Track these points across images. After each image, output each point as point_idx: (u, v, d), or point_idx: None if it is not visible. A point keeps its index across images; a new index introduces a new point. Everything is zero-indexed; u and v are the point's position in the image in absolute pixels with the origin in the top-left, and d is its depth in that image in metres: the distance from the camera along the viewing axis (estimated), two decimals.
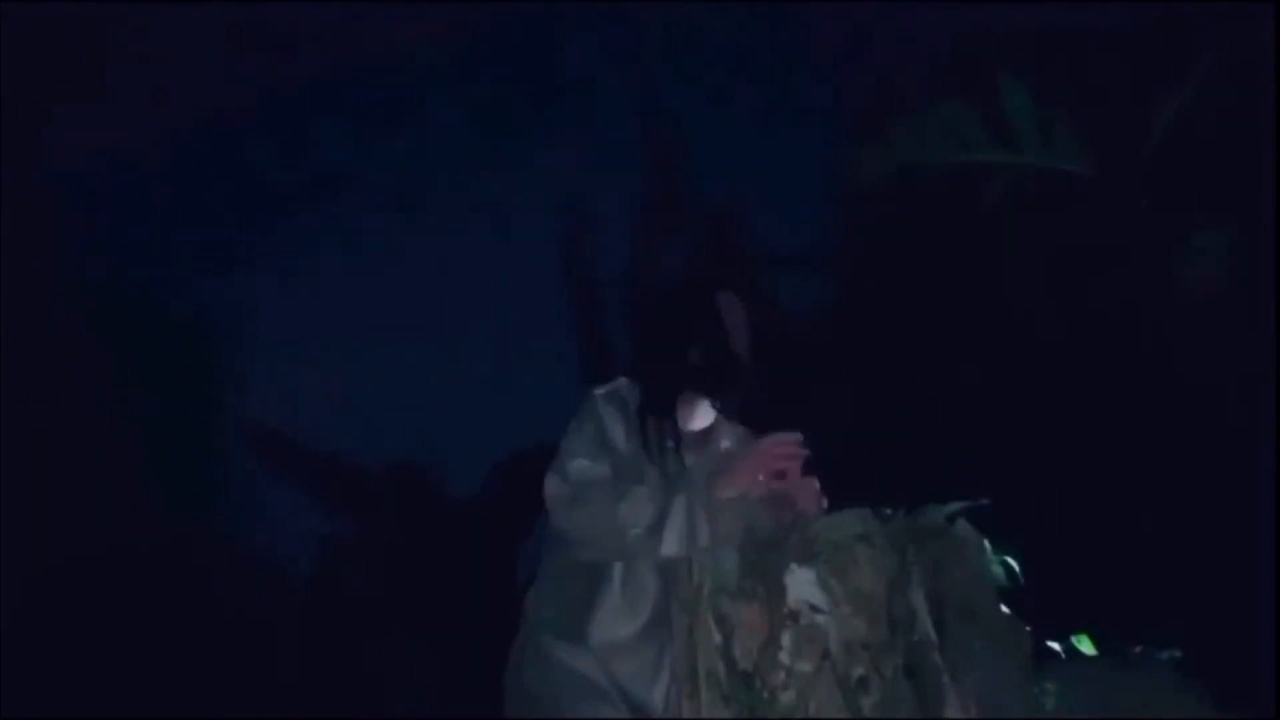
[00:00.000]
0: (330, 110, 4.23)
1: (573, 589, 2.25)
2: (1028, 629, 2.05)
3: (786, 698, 1.87)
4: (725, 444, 2.37)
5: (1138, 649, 2.55)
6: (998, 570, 2.19)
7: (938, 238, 4.18)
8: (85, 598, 3.94)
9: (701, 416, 2.38)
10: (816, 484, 2.23)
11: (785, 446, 2.14)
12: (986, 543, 2.06)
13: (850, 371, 3.72)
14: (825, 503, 2.22)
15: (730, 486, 2.13)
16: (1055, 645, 2.60)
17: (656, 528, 2.10)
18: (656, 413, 2.30)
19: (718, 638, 1.93)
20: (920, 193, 4.08)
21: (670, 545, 2.09)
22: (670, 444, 2.28)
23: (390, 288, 4.14)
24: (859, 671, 1.88)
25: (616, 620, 2.18)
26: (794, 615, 1.92)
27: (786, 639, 1.90)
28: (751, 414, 2.39)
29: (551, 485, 2.20)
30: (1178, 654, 2.49)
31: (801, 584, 1.93)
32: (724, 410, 2.38)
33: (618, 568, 2.19)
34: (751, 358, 2.35)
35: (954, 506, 2.02)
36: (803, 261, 4.28)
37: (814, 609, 1.91)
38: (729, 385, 2.34)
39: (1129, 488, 3.68)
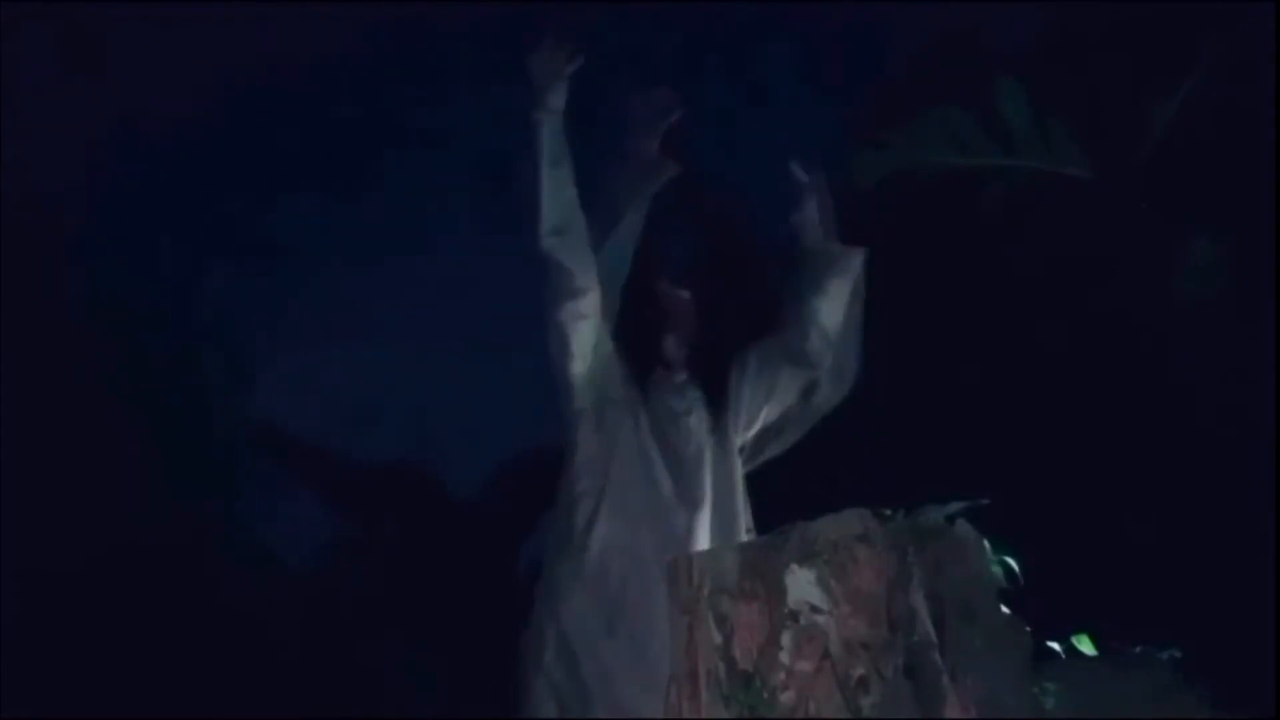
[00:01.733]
0: (333, 113, 4.24)
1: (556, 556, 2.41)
2: (1028, 629, 2.06)
3: (786, 698, 1.88)
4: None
5: (1138, 649, 2.55)
6: (998, 570, 2.19)
7: (936, 240, 4.18)
8: (86, 597, 3.94)
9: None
10: None
11: None
12: (986, 543, 2.07)
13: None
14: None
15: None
16: (1055, 645, 2.61)
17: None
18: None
19: (718, 638, 1.93)
20: (918, 196, 4.08)
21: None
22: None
23: (392, 288, 4.14)
24: (859, 671, 1.88)
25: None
26: (794, 615, 1.92)
27: (786, 639, 1.90)
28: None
29: None
30: (1178, 654, 2.49)
31: (801, 584, 1.93)
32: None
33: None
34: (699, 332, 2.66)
35: (954, 506, 2.02)
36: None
37: (814, 609, 1.92)
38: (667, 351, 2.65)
39: (1129, 488, 3.68)
